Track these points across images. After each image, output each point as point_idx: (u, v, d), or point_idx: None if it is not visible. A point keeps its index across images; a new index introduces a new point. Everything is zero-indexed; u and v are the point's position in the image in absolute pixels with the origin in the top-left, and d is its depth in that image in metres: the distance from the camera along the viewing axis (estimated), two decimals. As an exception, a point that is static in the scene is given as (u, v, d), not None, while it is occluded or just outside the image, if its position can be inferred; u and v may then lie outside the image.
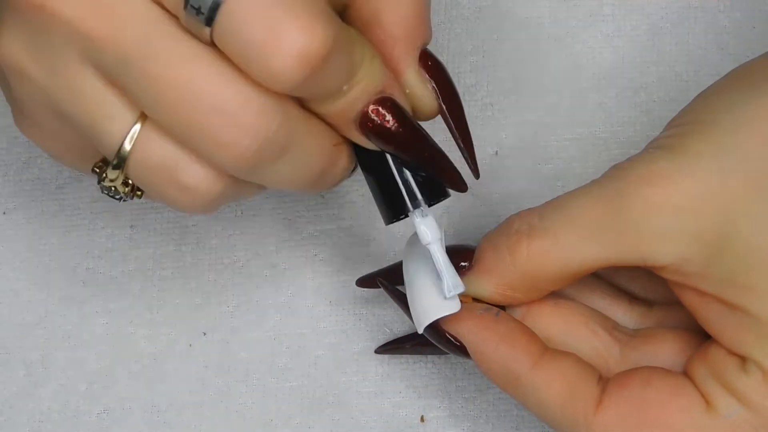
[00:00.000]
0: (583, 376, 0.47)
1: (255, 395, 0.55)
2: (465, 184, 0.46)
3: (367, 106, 0.44)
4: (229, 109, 0.41)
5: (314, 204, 0.56)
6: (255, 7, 0.40)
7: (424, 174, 0.46)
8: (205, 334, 0.56)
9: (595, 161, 0.57)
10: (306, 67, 0.40)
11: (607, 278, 0.51)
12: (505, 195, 0.56)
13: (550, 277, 0.47)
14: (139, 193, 0.46)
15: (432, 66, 0.46)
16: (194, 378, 0.55)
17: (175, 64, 0.41)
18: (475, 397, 0.55)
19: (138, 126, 0.43)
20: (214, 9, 0.40)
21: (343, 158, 0.46)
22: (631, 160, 0.46)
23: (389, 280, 0.51)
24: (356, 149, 0.46)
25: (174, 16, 0.41)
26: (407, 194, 0.46)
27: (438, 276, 0.47)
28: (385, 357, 0.55)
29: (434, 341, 0.49)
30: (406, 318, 0.50)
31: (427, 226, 0.47)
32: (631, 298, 0.51)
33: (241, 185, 0.44)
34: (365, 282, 0.52)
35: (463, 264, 0.49)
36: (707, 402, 0.45)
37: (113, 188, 0.45)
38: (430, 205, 0.46)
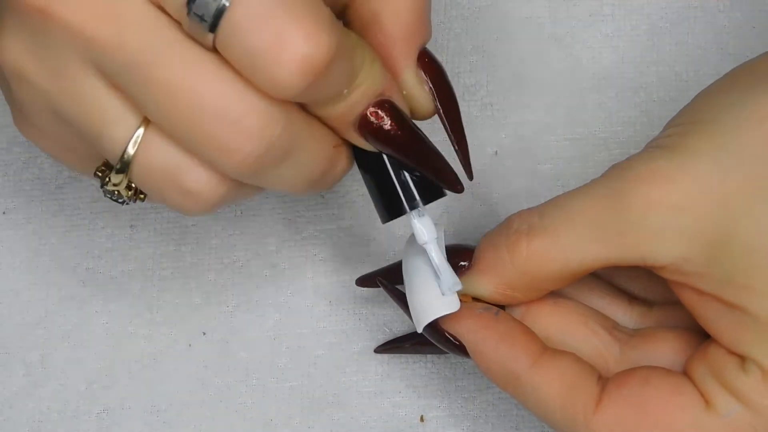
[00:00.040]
0: (582, 376, 0.47)
1: (255, 395, 0.55)
2: (461, 185, 0.47)
3: (366, 109, 0.44)
4: (233, 115, 0.41)
5: (314, 204, 0.56)
6: (259, 14, 0.40)
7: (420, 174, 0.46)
8: (204, 334, 0.56)
9: (595, 161, 0.57)
10: (309, 75, 0.40)
11: (607, 278, 0.51)
12: (505, 195, 0.56)
13: (549, 276, 0.47)
14: (142, 196, 0.46)
15: (430, 67, 0.46)
16: (194, 378, 0.55)
17: (179, 70, 0.41)
18: (474, 396, 0.55)
19: (141, 130, 0.43)
20: (218, 16, 0.40)
21: (343, 159, 0.46)
22: (630, 159, 0.46)
23: (389, 280, 0.51)
24: (354, 149, 0.46)
25: (177, 22, 0.41)
26: (404, 195, 0.46)
27: (441, 292, 0.48)
28: (385, 357, 0.55)
29: (434, 340, 0.49)
30: (406, 317, 0.50)
31: (424, 226, 0.47)
32: (631, 297, 0.51)
33: (242, 188, 0.44)
34: (365, 281, 0.52)
35: (462, 263, 0.49)
36: (706, 401, 0.45)
37: (116, 192, 0.45)
38: (426, 204, 0.46)
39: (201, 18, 0.40)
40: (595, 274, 0.50)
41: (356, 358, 0.55)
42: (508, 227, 0.48)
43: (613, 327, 0.49)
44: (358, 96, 0.44)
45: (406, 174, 0.46)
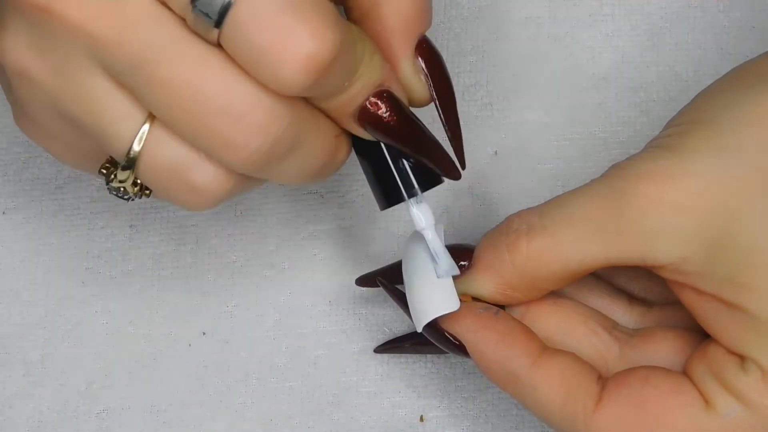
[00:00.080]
0: (582, 375, 0.47)
1: (255, 395, 0.55)
2: (458, 172, 0.47)
3: (366, 100, 0.44)
4: (238, 111, 0.41)
5: (314, 204, 0.56)
6: (264, 11, 0.40)
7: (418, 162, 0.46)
8: (204, 333, 0.56)
9: (594, 161, 0.57)
10: (314, 73, 0.40)
11: (607, 278, 0.51)
12: (505, 195, 0.56)
13: (549, 276, 0.47)
14: (147, 192, 0.45)
15: (427, 55, 0.46)
16: (194, 378, 0.55)
17: (183, 67, 0.41)
18: (474, 396, 0.55)
19: (146, 127, 0.42)
20: (223, 13, 0.40)
21: (343, 149, 0.46)
22: (630, 158, 0.46)
23: (389, 279, 0.51)
24: (352, 137, 0.46)
25: (180, 18, 0.41)
26: (402, 183, 0.46)
27: (436, 275, 0.48)
28: (385, 356, 0.55)
29: (433, 340, 0.49)
30: (406, 317, 0.50)
31: (422, 212, 0.47)
32: (631, 297, 0.51)
33: (248, 181, 0.44)
34: (365, 281, 0.52)
35: (462, 263, 0.49)
36: (706, 401, 0.45)
37: (122, 189, 0.45)
38: (423, 191, 0.46)
39: (206, 14, 0.40)
40: (595, 274, 0.50)
41: (356, 358, 0.55)
42: (508, 227, 0.48)
43: (612, 327, 0.49)
44: (358, 88, 0.44)
45: (404, 162, 0.46)
